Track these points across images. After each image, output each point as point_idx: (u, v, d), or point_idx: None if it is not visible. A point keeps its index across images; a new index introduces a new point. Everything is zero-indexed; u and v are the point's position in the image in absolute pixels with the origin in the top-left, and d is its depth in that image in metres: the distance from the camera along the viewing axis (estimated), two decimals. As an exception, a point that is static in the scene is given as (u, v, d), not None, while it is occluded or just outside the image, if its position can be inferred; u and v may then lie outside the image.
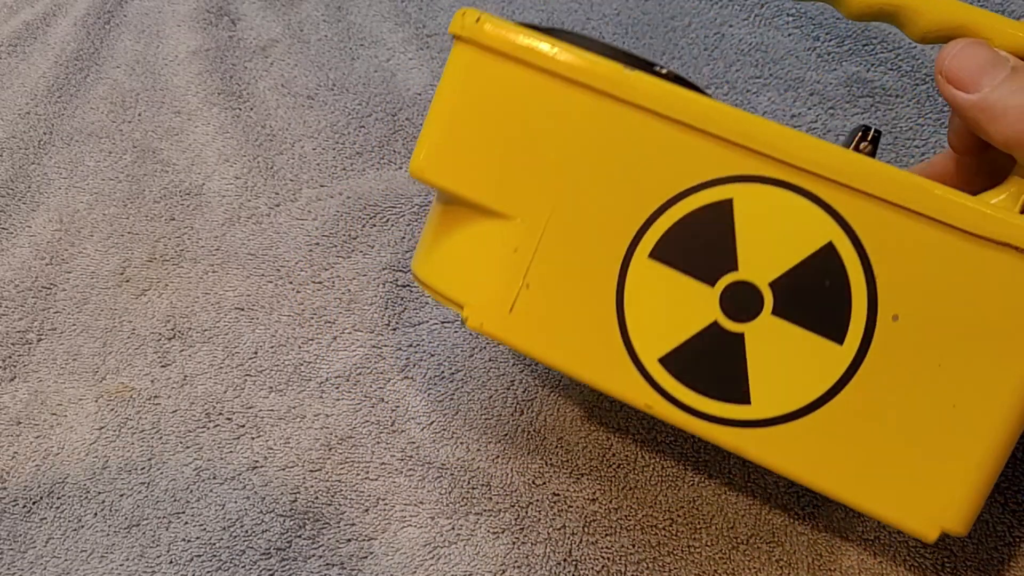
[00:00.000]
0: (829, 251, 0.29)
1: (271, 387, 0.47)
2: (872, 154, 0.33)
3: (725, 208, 0.30)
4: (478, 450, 0.44)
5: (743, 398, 0.30)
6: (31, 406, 0.47)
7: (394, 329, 0.48)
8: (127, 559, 0.41)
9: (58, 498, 0.44)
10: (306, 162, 0.58)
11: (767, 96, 0.58)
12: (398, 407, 0.45)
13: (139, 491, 0.43)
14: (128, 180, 0.58)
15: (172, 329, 0.50)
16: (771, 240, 0.30)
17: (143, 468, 0.44)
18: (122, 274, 0.53)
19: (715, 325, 0.30)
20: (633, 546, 0.40)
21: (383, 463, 0.43)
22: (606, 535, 0.40)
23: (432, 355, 0.47)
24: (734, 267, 0.30)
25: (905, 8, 0.32)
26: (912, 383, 0.29)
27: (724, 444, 0.31)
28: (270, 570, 0.40)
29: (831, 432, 0.29)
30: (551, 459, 0.43)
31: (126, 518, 0.43)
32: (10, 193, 0.58)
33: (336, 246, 0.53)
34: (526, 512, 0.41)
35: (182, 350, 0.49)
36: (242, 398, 0.46)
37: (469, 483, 0.42)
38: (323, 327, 0.49)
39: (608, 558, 0.40)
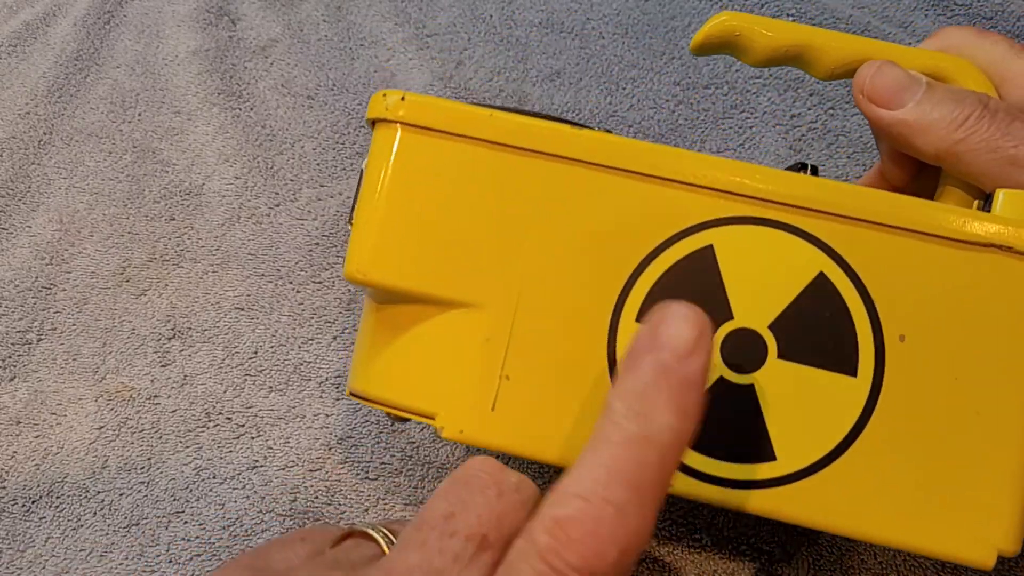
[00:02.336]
0: (822, 281, 0.28)
1: (271, 387, 0.47)
2: None
3: (707, 255, 0.28)
4: (478, 450, 0.44)
5: (768, 455, 0.28)
6: (31, 406, 0.47)
7: (394, 329, 0.48)
8: (126, 558, 0.41)
9: (57, 497, 0.44)
10: (306, 162, 0.58)
11: (767, 96, 0.58)
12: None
13: (139, 490, 0.43)
14: (128, 180, 0.58)
15: (172, 329, 0.50)
16: (761, 281, 0.28)
17: (143, 468, 0.44)
18: (122, 274, 0.53)
19: (721, 381, 0.28)
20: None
21: (383, 463, 0.43)
22: (606, 535, 0.40)
23: (432, 355, 0.47)
24: (729, 315, 0.28)
25: (810, 49, 0.35)
26: (935, 401, 0.27)
27: (759, 511, 0.28)
28: (270, 570, 0.40)
29: (866, 471, 0.28)
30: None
31: (126, 517, 0.43)
32: (10, 193, 0.58)
33: (336, 246, 0.53)
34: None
35: (182, 350, 0.49)
36: (242, 398, 0.46)
37: (469, 483, 0.42)
38: (323, 327, 0.49)
39: (608, 558, 0.40)
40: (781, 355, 0.28)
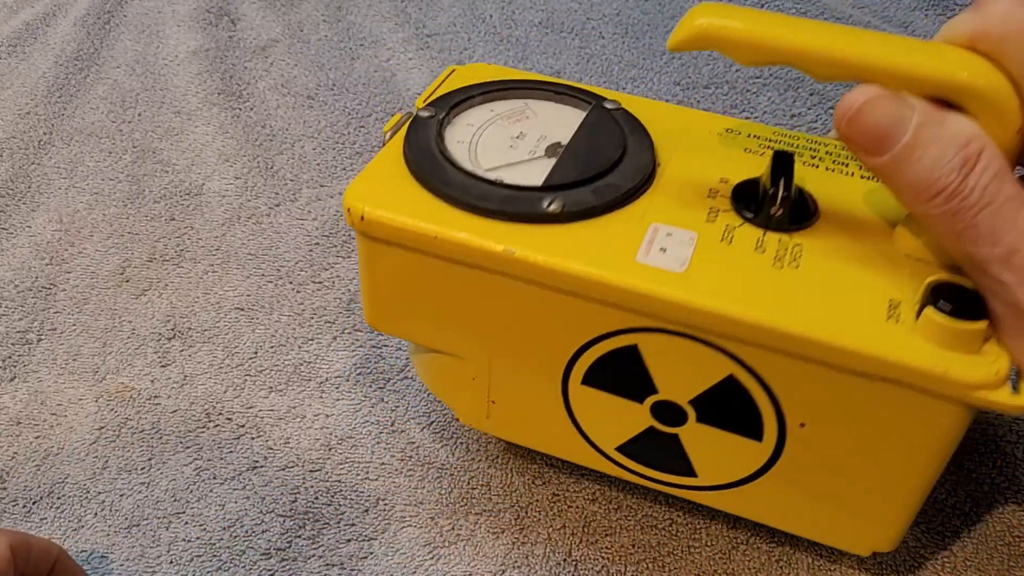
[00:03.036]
0: (732, 381, 0.31)
1: (271, 387, 0.47)
2: (788, 212, 0.33)
3: (633, 351, 0.32)
4: (478, 450, 0.44)
5: (690, 473, 0.35)
6: (31, 406, 0.47)
7: (394, 329, 0.48)
8: (127, 559, 0.41)
9: (58, 498, 0.44)
10: (306, 162, 0.58)
11: (767, 96, 0.58)
12: (398, 407, 0.45)
13: (139, 491, 0.43)
14: (128, 180, 0.58)
15: (172, 329, 0.50)
16: (680, 372, 0.32)
17: (143, 468, 0.44)
18: (122, 274, 0.53)
19: (652, 428, 0.34)
20: (633, 546, 0.40)
21: (383, 463, 0.43)
22: (606, 535, 0.40)
23: (432, 355, 0.47)
24: (655, 391, 0.33)
25: (797, 62, 0.31)
26: (829, 461, 0.32)
27: (685, 497, 0.36)
28: (270, 570, 0.40)
29: (770, 494, 0.34)
30: (551, 459, 0.43)
31: (126, 518, 0.43)
32: (10, 193, 0.58)
33: (336, 246, 0.53)
34: (526, 512, 0.41)
35: (182, 350, 0.49)
36: (242, 398, 0.46)
37: (469, 483, 0.42)
38: (323, 327, 0.49)
39: (608, 558, 0.40)
40: (699, 420, 0.33)
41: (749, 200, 0.33)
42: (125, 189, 0.57)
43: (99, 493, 0.44)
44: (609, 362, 0.33)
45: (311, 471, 0.43)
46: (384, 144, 0.37)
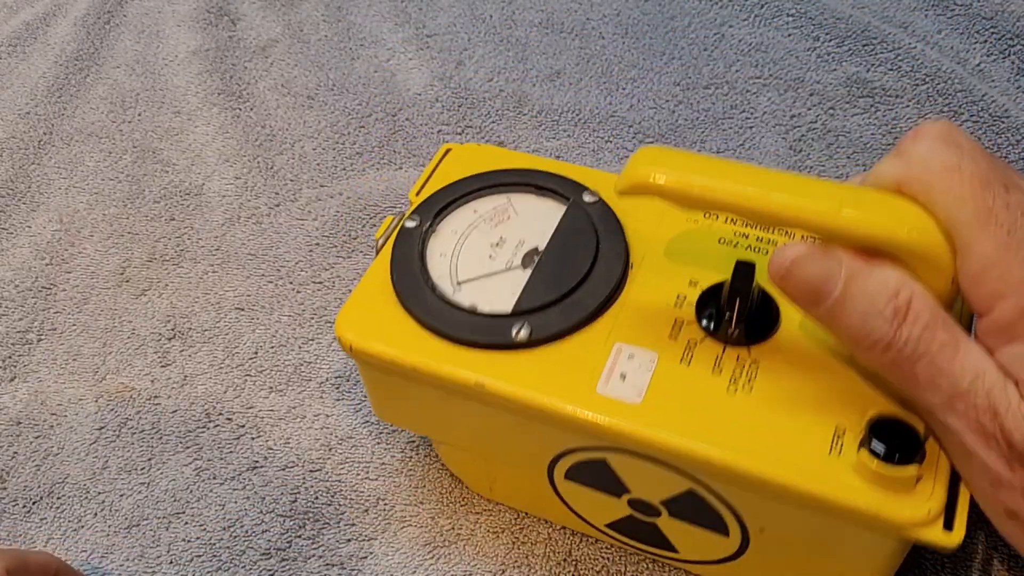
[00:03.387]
0: (692, 494, 0.33)
1: (271, 387, 0.47)
2: (742, 334, 0.33)
3: (603, 463, 0.34)
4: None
5: (673, 550, 0.37)
6: (31, 406, 0.47)
7: (394, 329, 0.48)
8: (127, 559, 0.41)
9: (58, 498, 0.44)
10: (306, 162, 0.58)
11: (767, 96, 0.58)
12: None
13: (139, 491, 0.43)
14: (128, 180, 0.58)
15: (172, 329, 0.50)
16: (647, 482, 0.34)
17: (143, 468, 0.44)
18: (122, 274, 0.53)
19: (631, 516, 0.36)
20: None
21: (383, 463, 0.43)
22: (606, 535, 0.40)
23: (432, 355, 0.47)
24: (628, 491, 0.35)
25: (734, 213, 0.31)
26: (792, 557, 0.34)
27: (675, 566, 0.39)
28: (270, 570, 0.40)
29: (748, 570, 0.36)
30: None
31: (126, 518, 0.43)
32: (10, 193, 0.58)
33: (336, 246, 0.53)
34: (526, 512, 0.41)
35: (182, 350, 0.49)
36: (242, 398, 0.46)
37: (469, 483, 0.43)
38: (323, 327, 0.49)
39: (608, 558, 0.40)
40: (671, 515, 0.35)
41: (711, 312, 0.34)
42: (125, 189, 0.57)
43: (99, 493, 0.44)
44: (584, 467, 0.35)
45: (311, 471, 0.43)
46: (377, 252, 0.39)
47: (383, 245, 0.39)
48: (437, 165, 0.42)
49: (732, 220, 0.37)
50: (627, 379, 0.33)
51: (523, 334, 0.34)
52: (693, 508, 0.34)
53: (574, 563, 0.40)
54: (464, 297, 0.36)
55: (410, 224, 0.39)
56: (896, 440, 0.29)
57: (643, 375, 0.33)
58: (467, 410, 0.36)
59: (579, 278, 0.35)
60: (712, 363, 0.33)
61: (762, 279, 0.33)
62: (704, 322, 0.34)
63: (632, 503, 0.36)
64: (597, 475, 0.35)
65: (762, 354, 0.33)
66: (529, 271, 0.36)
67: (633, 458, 0.33)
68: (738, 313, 0.33)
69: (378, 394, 0.39)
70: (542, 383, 0.33)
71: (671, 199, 0.31)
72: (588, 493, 0.37)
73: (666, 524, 0.36)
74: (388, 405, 0.40)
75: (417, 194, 0.41)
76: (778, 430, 0.31)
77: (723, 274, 0.34)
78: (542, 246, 0.37)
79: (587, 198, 0.39)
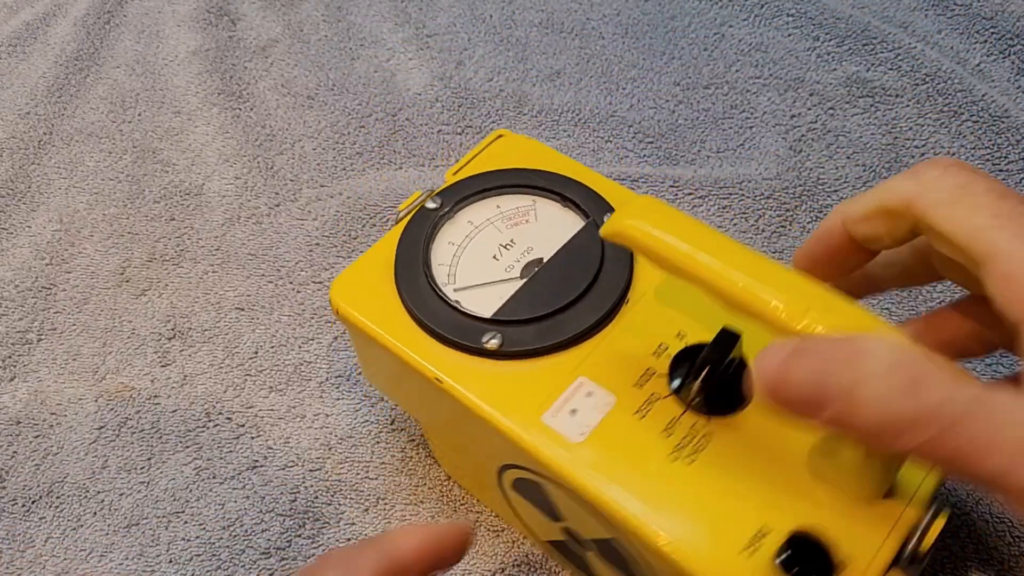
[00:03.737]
0: (613, 544, 0.32)
1: (271, 387, 0.47)
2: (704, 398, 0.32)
3: (539, 484, 0.33)
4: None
5: None
6: (31, 406, 0.47)
7: (394, 329, 0.48)
8: (126, 558, 0.41)
9: (58, 497, 0.44)
10: (306, 162, 0.57)
11: (767, 96, 0.58)
12: (398, 406, 0.45)
13: (139, 490, 0.43)
14: (128, 180, 0.58)
15: (172, 329, 0.50)
16: (577, 518, 0.33)
17: (143, 468, 0.44)
18: (122, 274, 0.53)
19: (565, 543, 0.36)
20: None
21: (383, 462, 0.43)
22: (606, 535, 0.40)
23: (432, 355, 0.47)
24: (561, 520, 0.35)
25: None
26: None
27: None
28: (270, 570, 0.40)
29: None
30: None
31: (126, 517, 0.43)
32: (10, 193, 0.58)
33: (336, 246, 0.53)
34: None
35: (182, 350, 0.49)
36: (242, 398, 0.46)
37: (469, 483, 0.43)
38: (323, 327, 0.49)
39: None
40: (599, 554, 0.34)
41: (685, 370, 0.32)
42: (125, 189, 0.57)
43: (98, 492, 0.44)
44: (526, 484, 0.35)
45: (311, 470, 0.43)
46: (397, 222, 0.39)
47: (403, 218, 0.39)
48: (483, 149, 0.41)
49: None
50: (576, 415, 0.32)
51: (493, 343, 0.34)
52: (616, 556, 0.33)
53: (574, 563, 0.40)
54: (453, 291, 0.36)
55: (431, 205, 0.38)
56: (810, 563, 0.28)
57: (594, 416, 0.32)
58: (431, 396, 0.35)
59: (567, 302, 0.34)
60: (665, 423, 0.31)
61: (748, 350, 0.32)
62: (674, 380, 0.32)
63: (566, 531, 0.35)
64: (536, 495, 0.35)
65: (719, 428, 0.31)
66: (523, 282, 0.36)
67: (565, 492, 0.32)
68: (704, 380, 0.31)
69: (362, 358, 0.40)
70: (494, 396, 0.33)
71: (645, 255, 0.30)
72: (531, 509, 0.36)
73: (594, 561, 0.35)
74: (370, 371, 0.41)
75: (455, 174, 0.40)
76: (702, 511, 0.29)
77: (714, 334, 0.32)
78: (547, 258, 0.36)
79: (607, 219, 0.37)
